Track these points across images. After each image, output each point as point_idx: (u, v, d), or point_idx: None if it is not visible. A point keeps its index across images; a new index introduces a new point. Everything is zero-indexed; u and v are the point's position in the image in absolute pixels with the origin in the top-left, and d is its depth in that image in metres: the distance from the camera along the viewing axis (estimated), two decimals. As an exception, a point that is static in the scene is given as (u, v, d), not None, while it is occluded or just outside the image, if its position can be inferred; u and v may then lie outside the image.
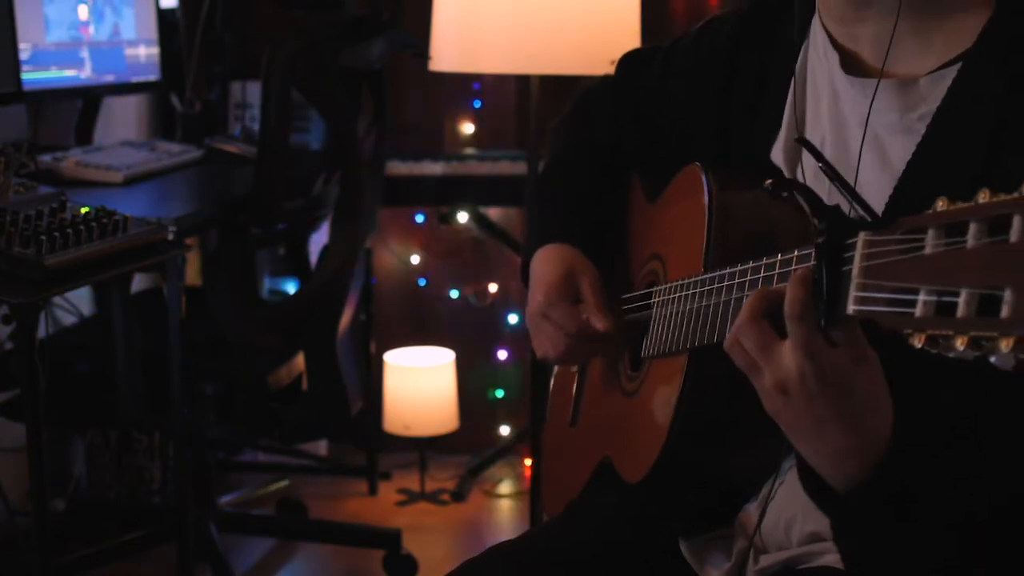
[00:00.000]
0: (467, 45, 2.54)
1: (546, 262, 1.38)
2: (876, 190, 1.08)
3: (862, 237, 0.82)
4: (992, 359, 0.69)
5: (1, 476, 2.33)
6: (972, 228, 0.71)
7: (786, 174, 1.18)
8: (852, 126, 1.12)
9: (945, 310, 0.72)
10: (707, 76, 1.31)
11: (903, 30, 1.08)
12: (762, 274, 0.99)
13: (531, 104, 2.64)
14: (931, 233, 0.74)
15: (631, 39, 2.52)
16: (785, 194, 0.97)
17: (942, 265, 0.73)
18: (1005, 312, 0.67)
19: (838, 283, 0.85)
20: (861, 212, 0.86)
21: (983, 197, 0.71)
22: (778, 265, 0.97)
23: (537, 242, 1.41)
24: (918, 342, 0.73)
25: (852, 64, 1.13)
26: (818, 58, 1.18)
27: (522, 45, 2.47)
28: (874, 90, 1.09)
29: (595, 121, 1.47)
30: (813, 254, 0.88)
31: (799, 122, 1.19)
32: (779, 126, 1.21)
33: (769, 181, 0.98)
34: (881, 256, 0.80)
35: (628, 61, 1.48)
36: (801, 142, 0.98)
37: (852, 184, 1.08)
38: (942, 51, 1.07)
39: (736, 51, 1.29)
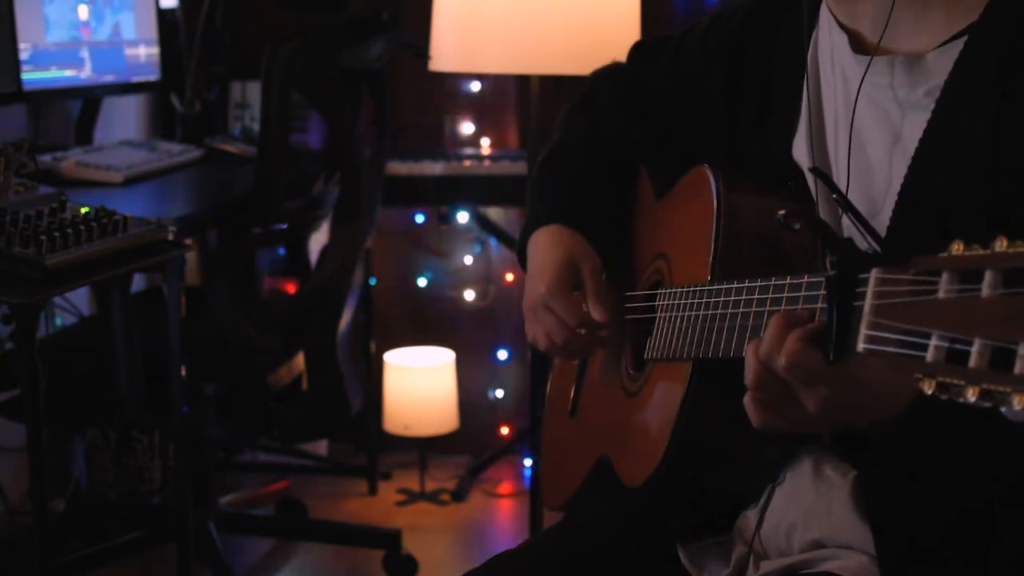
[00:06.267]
0: (467, 45, 2.54)
1: (546, 246, 1.35)
2: (891, 169, 1.08)
3: (874, 275, 0.81)
4: (1003, 410, 0.68)
5: (1, 476, 2.33)
6: (988, 276, 0.69)
7: (807, 169, 1.17)
8: (861, 106, 1.11)
9: (957, 358, 0.70)
10: (713, 76, 1.30)
11: (901, 4, 1.06)
12: (770, 295, 0.99)
13: (531, 104, 2.64)
14: (945, 277, 0.73)
15: (631, 39, 2.51)
16: (797, 226, 0.97)
17: (956, 312, 0.71)
18: (1019, 367, 0.66)
19: (848, 318, 0.84)
20: (874, 244, 0.85)
21: (1000, 245, 0.69)
22: (787, 288, 0.97)
23: (535, 223, 1.38)
24: (928, 388, 0.71)
25: (858, 44, 1.13)
26: (827, 42, 1.17)
27: (522, 45, 2.47)
28: (866, 65, 1.08)
29: (601, 111, 1.45)
30: (824, 285, 0.87)
31: (815, 111, 1.18)
32: (797, 118, 1.20)
33: (781, 212, 0.98)
34: (893, 296, 0.78)
35: (637, 53, 1.46)
36: (814, 172, 0.97)
37: (867, 164, 1.09)
38: (944, 25, 1.06)
39: (741, 49, 1.28)
